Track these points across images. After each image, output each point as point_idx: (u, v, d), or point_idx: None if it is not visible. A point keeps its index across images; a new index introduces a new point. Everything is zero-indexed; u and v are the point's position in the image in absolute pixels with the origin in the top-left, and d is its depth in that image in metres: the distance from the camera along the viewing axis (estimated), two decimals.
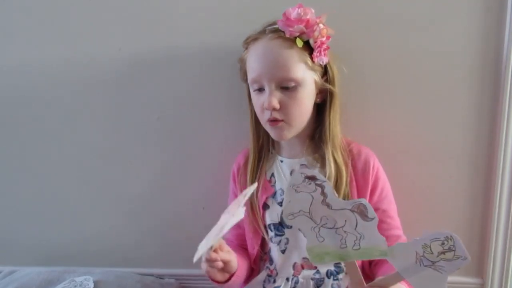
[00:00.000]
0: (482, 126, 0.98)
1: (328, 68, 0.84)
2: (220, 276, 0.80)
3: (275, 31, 0.80)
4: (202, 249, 0.65)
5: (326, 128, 0.85)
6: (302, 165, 0.88)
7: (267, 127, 0.84)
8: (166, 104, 1.07)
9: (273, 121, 0.81)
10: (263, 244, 0.92)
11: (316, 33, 0.79)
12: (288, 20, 0.78)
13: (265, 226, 0.90)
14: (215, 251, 0.73)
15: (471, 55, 0.95)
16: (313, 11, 0.80)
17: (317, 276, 0.87)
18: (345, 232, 0.60)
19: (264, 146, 0.92)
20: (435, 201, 1.04)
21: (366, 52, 0.97)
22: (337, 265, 0.87)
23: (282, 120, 0.81)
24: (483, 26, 0.93)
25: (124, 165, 1.13)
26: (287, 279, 0.87)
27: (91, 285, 1.02)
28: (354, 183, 0.86)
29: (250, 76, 0.83)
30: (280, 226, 0.88)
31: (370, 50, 0.97)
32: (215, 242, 0.71)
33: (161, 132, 1.09)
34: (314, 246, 0.62)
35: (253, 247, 0.91)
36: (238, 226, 0.92)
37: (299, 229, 0.63)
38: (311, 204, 0.60)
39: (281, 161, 0.91)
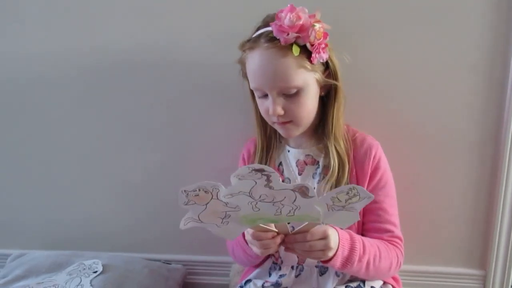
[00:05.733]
0: (488, 114, 0.98)
1: (329, 62, 0.82)
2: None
3: (270, 40, 0.76)
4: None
5: (329, 121, 0.85)
6: (307, 155, 0.89)
7: (275, 126, 0.85)
8: (168, 93, 1.09)
9: (281, 123, 0.82)
10: None
11: (311, 38, 0.75)
12: (281, 26, 0.73)
13: None
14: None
15: (480, 46, 0.94)
16: (306, 10, 0.75)
17: (321, 263, 0.87)
18: (282, 204, 0.63)
19: (272, 136, 0.93)
20: (439, 192, 1.04)
21: (369, 43, 0.97)
22: None
23: (289, 121, 0.82)
24: (488, 17, 0.93)
25: (131, 149, 1.14)
26: (292, 267, 0.88)
27: (100, 268, 1.03)
28: (354, 173, 0.86)
29: (251, 84, 0.82)
30: None
31: (373, 41, 0.97)
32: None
33: (166, 118, 1.11)
34: (248, 214, 0.65)
35: None
36: None
37: (237, 205, 0.64)
38: (252, 187, 0.61)
39: (288, 151, 0.92)
